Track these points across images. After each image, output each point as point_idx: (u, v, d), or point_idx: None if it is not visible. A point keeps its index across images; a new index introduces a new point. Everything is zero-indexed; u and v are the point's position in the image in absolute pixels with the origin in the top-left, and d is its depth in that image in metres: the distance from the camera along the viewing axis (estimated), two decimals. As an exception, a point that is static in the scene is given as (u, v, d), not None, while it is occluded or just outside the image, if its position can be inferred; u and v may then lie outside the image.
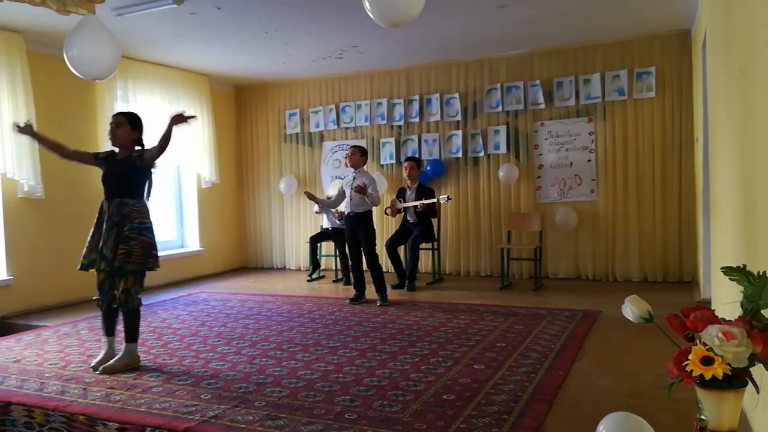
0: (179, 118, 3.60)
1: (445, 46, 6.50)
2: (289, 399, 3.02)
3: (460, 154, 7.12)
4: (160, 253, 7.08)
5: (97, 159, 3.82)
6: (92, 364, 3.68)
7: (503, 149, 6.90)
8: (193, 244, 7.69)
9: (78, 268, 3.66)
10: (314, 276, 7.16)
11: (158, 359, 3.85)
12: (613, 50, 6.40)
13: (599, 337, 4.11)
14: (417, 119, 7.33)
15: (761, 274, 1.55)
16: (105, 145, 6.26)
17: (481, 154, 7.02)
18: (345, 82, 7.72)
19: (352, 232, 5.67)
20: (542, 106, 6.71)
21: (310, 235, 7.25)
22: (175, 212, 7.68)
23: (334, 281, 7.02)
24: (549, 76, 6.68)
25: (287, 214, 8.19)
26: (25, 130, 3.77)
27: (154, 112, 6.78)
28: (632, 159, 6.39)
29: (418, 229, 6.38)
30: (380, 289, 5.54)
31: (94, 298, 3.74)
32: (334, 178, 7.53)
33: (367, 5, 3.24)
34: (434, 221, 6.62)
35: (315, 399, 3.00)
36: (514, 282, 6.60)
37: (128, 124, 3.74)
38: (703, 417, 1.56)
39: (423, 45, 6.38)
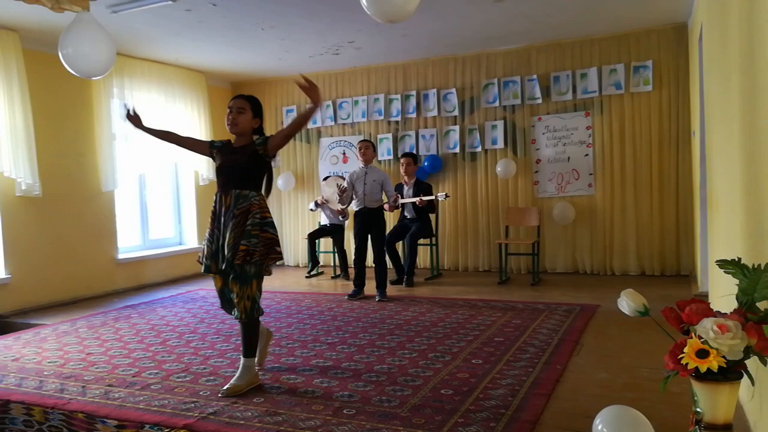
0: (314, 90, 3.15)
1: (441, 42, 6.49)
2: (288, 395, 3.02)
3: (457, 150, 7.12)
4: (159, 251, 7.21)
5: (212, 148, 3.43)
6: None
7: (501, 144, 6.90)
8: (191, 241, 7.68)
9: (203, 270, 3.28)
10: (313, 272, 7.17)
11: (157, 356, 3.85)
12: (609, 44, 6.40)
13: (597, 331, 4.12)
14: (414, 115, 7.33)
15: (756, 266, 1.56)
16: (101, 142, 6.29)
17: (479, 149, 7.02)
18: (342, 78, 7.72)
19: (362, 227, 5.65)
20: (539, 101, 6.70)
21: (308, 232, 7.25)
22: (173, 210, 7.67)
23: (332, 277, 7.02)
24: (546, 71, 6.68)
25: (285, 210, 8.19)
26: (134, 119, 3.46)
27: (151, 109, 6.78)
28: (629, 153, 6.39)
29: (417, 224, 6.38)
30: (381, 285, 5.55)
31: (220, 307, 3.43)
32: (330, 175, 7.51)
33: (363, 1, 3.23)
34: (432, 217, 6.63)
35: (313, 395, 3.01)
36: (512, 277, 6.61)
37: (251, 110, 3.33)
38: (698, 409, 1.56)
39: (420, 40, 6.37)
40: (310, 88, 3.15)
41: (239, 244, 3.12)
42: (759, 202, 2.11)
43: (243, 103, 3.33)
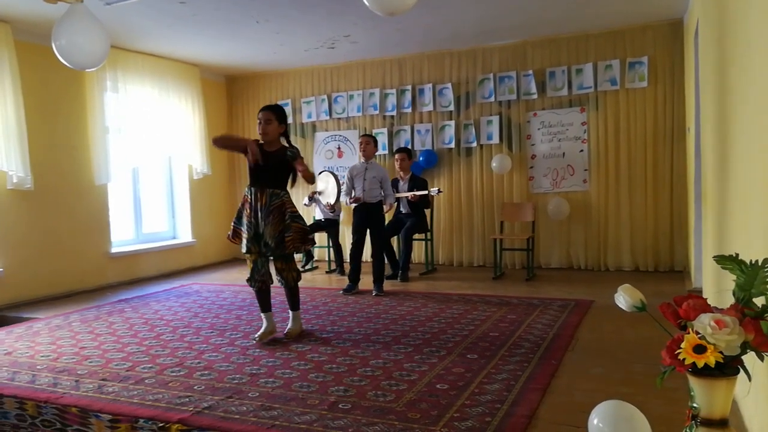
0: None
1: (437, 36, 6.47)
2: (283, 389, 3.02)
3: (452, 145, 7.11)
4: (153, 245, 7.18)
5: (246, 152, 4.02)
6: (256, 337, 3.99)
7: (496, 139, 6.89)
8: (185, 235, 7.66)
9: (244, 250, 3.98)
10: (307, 267, 7.15)
11: (151, 351, 3.84)
12: (605, 40, 6.40)
13: (592, 326, 4.13)
14: (409, 109, 7.31)
15: (753, 262, 1.56)
16: (94, 135, 6.24)
17: (474, 144, 7.01)
18: (337, 72, 7.68)
19: (361, 222, 5.63)
20: (535, 96, 6.70)
21: (302, 226, 7.23)
22: (167, 204, 7.64)
23: (327, 272, 7.02)
24: (541, 66, 6.67)
25: (280, 205, 8.15)
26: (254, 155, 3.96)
27: (144, 102, 6.74)
28: (624, 149, 6.40)
29: (412, 219, 6.37)
30: (378, 279, 5.54)
31: (248, 279, 4.08)
32: (324, 170, 7.48)
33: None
34: (427, 212, 6.62)
35: (309, 389, 3.01)
36: (507, 272, 6.62)
37: (276, 120, 3.96)
38: (695, 405, 1.56)
39: (415, 35, 6.35)
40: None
41: (284, 237, 3.87)
42: (751, 198, 2.12)
43: (269, 114, 3.98)
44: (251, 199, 3.92)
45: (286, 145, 4.01)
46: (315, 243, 4.11)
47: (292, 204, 4.00)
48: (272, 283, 4.10)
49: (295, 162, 3.89)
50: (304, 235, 3.96)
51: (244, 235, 3.95)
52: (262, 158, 3.92)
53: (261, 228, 3.88)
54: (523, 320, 4.31)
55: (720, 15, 3.04)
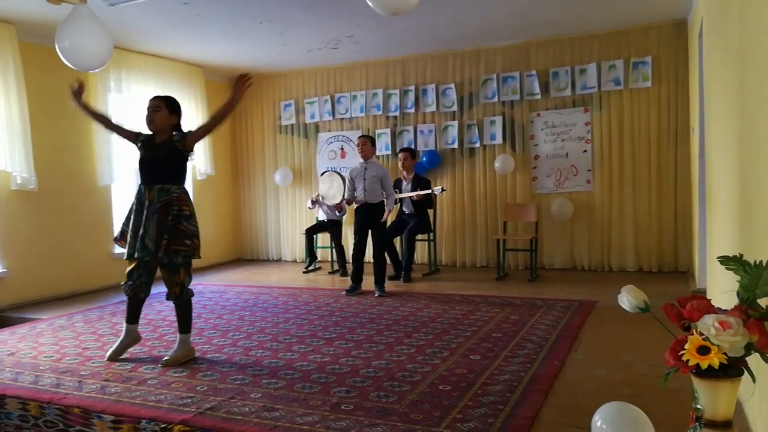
0: (241, 86, 3.49)
1: (440, 36, 6.47)
2: (286, 390, 3.01)
3: (455, 145, 7.10)
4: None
5: (138, 140, 3.68)
6: (108, 355, 3.64)
7: (499, 140, 6.88)
8: (189, 236, 7.65)
9: (125, 257, 3.58)
10: (310, 268, 7.16)
11: (154, 351, 3.84)
12: (609, 40, 6.38)
13: (595, 327, 4.12)
14: (413, 110, 7.31)
15: (758, 263, 1.55)
16: (98, 136, 6.25)
17: (477, 144, 7.00)
18: (340, 72, 7.68)
19: (362, 223, 5.62)
20: (538, 97, 6.69)
21: (305, 227, 7.24)
22: (170, 204, 7.63)
23: (330, 273, 7.01)
24: (545, 66, 6.66)
25: (283, 205, 8.17)
26: (77, 94, 3.70)
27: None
28: (628, 149, 6.38)
29: (415, 220, 6.37)
30: (380, 280, 5.54)
31: (122, 283, 3.65)
32: (327, 170, 7.48)
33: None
34: (430, 212, 6.62)
35: (311, 390, 3.00)
36: (510, 273, 6.61)
37: (166, 108, 3.59)
38: (699, 406, 1.56)
39: (418, 35, 6.35)
40: (242, 85, 3.50)
41: (162, 238, 3.43)
42: (758, 198, 2.11)
43: (158, 102, 3.61)
44: (140, 197, 3.54)
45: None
46: (189, 249, 3.51)
47: (187, 202, 3.55)
48: (146, 294, 3.64)
49: (192, 134, 3.56)
50: (185, 237, 3.47)
51: (128, 238, 3.54)
52: (150, 149, 3.56)
53: (143, 230, 3.46)
54: (526, 321, 4.30)
55: (724, 13, 3.02)
